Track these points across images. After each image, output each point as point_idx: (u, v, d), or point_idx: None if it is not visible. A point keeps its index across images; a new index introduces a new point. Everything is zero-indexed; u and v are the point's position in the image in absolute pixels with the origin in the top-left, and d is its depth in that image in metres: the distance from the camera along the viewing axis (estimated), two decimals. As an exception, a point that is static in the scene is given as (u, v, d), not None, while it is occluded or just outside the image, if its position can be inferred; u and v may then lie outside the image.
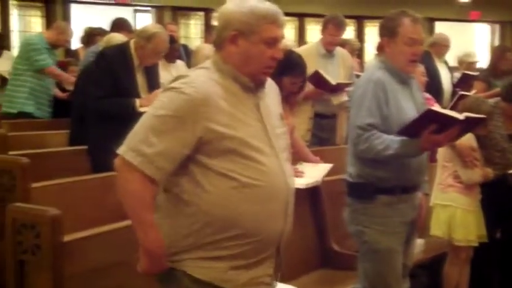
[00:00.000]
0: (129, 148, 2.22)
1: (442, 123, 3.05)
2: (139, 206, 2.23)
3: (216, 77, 2.31)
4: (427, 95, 5.50)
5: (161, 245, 2.25)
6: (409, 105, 3.31)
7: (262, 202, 2.28)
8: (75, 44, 8.79)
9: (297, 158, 4.46)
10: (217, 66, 2.34)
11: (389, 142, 3.17)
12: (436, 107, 3.18)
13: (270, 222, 2.32)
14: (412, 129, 3.12)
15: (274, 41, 2.33)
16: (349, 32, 13.09)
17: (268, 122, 2.37)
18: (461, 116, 3.08)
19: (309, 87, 5.54)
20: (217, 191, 2.24)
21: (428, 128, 3.06)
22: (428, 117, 3.07)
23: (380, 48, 3.48)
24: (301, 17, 13.79)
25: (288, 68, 4.11)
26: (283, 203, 2.35)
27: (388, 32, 3.37)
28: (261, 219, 2.29)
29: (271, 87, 2.51)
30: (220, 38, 2.34)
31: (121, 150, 2.25)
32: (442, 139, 3.10)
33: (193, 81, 2.26)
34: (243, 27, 2.29)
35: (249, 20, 2.29)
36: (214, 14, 2.74)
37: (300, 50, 5.72)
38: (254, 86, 2.35)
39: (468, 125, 3.24)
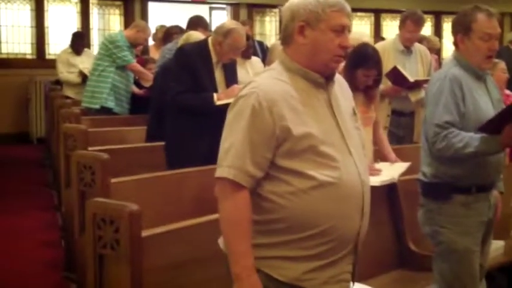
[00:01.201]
0: (229, 166, 2.23)
1: None
2: (238, 234, 2.23)
3: (284, 76, 2.30)
4: (508, 92, 5.37)
5: (252, 273, 2.24)
6: (485, 101, 3.26)
7: (339, 200, 2.27)
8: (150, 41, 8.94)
9: (378, 156, 4.42)
10: (285, 65, 2.34)
11: (469, 139, 3.11)
12: None
13: (347, 220, 2.30)
14: (492, 126, 3.06)
15: (342, 29, 2.31)
16: (426, 28, 12.88)
17: (340, 117, 2.35)
18: None
19: (387, 84, 5.47)
20: (295, 191, 2.23)
21: (510, 124, 2.99)
22: (509, 113, 3.00)
23: (455, 45, 3.39)
24: (377, 12, 13.64)
25: (361, 60, 4.13)
26: (359, 201, 2.33)
27: (462, 28, 3.31)
28: (338, 218, 2.27)
29: (341, 83, 2.49)
30: (288, 31, 2.34)
31: (221, 172, 2.24)
32: None
33: (259, 85, 2.26)
34: (310, 16, 2.28)
35: (315, 9, 2.28)
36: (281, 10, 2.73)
37: (378, 46, 5.62)
38: (324, 81, 2.34)
39: None
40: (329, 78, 2.36)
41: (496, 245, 4.25)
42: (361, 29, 13.13)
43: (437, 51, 10.00)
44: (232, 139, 2.24)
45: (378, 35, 12.79)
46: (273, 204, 2.26)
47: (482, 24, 3.24)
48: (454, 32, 3.39)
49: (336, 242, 2.29)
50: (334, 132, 2.31)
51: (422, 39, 7.75)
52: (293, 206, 2.24)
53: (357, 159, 2.35)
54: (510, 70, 5.42)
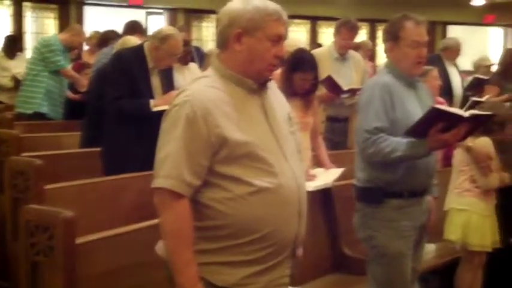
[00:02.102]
0: (165, 177, 2.22)
1: (448, 121, 3.03)
2: (180, 244, 2.23)
3: (218, 83, 2.30)
4: (440, 99, 5.50)
5: (196, 282, 2.24)
6: (415, 108, 3.29)
7: (277, 205, 2.28)
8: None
9: (315, 161, 4.48)
10: (219, 72, 2.34)
11: (396, 144, 3.17)
12: (441, 106, 3.15)
13: (285, 225, 2.32)
14: (418, 130, 3.11)
15: (278, 39, 2.33)
16: (362, 35, 13.09)
17: (275, 122, 2.36)
18: (466, 114, 3.07)
19: (322, 91, 5.54)
20: (234, 197, 2.24)
21: (435, 127, 3.05)
22: (433, 116, 3.05)
23: (386, 53, 3.47)
24: (313, 19, 13.79)
25: (299, 64, 4.22)
26: (296, 205, 2.36)
27: (391, 36, 3.38)
28: (277, 222, 2.29)
29: (275, 89, 2.51)
30: (224, 36, 2.33)
31: (159, 182, 2.23)
32: (449, 138, 3.08)
33: (192, 94, 2.26)
34: (248, 24, 2.29)
35: (254, 17, 2.29)
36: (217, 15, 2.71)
37: (313, 53, 5.72)
38: (258, 87, 2.35)
39: (476, 124, 3.22)
40: (263, 85, 2.37)
41: (429, 248, 4.35)
42: (298, 35, 13.27)
43: (372, 58, 10.20)
44: (168, 149, 2.23)
45: (314, 41, 12.93)
46: (213, 210, 2.26)
47: (410, 32, 3.31)
48: (384, 40, 3.47)
49: (276, 247, 2.31)
50: (269, 137, 2.32)
51: (358, 47, 7.91)
52: (233, 212, 2.24)
53: (292, 163, 2.37)
54: (442, 78, 5.57)
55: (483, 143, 4.17)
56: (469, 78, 7.91)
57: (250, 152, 2.25)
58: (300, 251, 2.60)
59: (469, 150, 4.14)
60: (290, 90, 4.09)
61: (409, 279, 3.41)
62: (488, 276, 4.44)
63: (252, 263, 2.28)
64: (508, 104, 4.60)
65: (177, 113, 2.25)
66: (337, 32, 5.90)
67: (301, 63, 4.25)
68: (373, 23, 14.15)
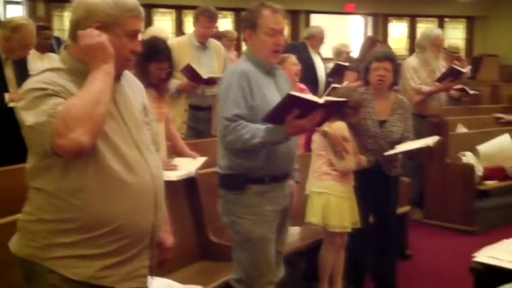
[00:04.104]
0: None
1: (305, 108, 3.10)
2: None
3: (68, 77, 2.21)
4: (302, 86, 5.62)
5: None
6: (274, 95, 3.34)
7: (130, 196, 2.26)
8: None
9: (173, 151, 4.46)
10: (68, 65, 2.26)
11: (255, 130, 3.21)
12: (297, 92, 3.22)
13: (140, 216, 2.30)
14: (276, 116, 3.16)
15: (136, 34, 2.31)
16: (227, 24, 13.17)
17: (127, 113, 2.33)
18: (321, 100, 3.14)
19: (183, 80, 5.53)
20: (85, 189, 2.19)
21: (291, 113, 3.10)
22: (290, 103, 3.10)
23: (245, 41, 3.51)
24: (178, 9, 13.73)
25: (153, 54, 4.17)
26: (151, 195, 2.34)
27: (249, 24, 3.42)
28: (130, 214, 2.26)
29: (130, 78, 2.48)
30: (79, 29, 2.25)
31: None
32: (305, 123, 3.13)
33: (43, 79, 2.17)
34: (107, 19, 2.24)
35: (113, 12, 2.24)
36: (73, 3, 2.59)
37: (174, 42, 5.72)
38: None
39: (332, 110, 3.32)
40: (116, 78, 2.31)
41: (293, 231, 4.45)
42: (163, 25, 13.17)
43: (237, 47, 10.28)
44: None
45: (180, 30, 12.88)
46: (63, 202, 2.19)
47: (267, 20, 3.36)
48: (243, 28, 3.51)
49: (131, 238, 2.28)
50: (121, 128, 2.29)
51: (222, 36, 7.95)
52: (84, 204, 2.19)
53: (146, 154, 2.35)
54: (306, 64, 5.68)
55: (338, 127, 4.28)
56: (331, 65, 8.15)
57: (101, 143, 2.19)
58: (169, 240, 2.60)
59: (324, 134, 4.24)
60: (145, 81, 4.02)
61: (273, 262, 3.48)
62: (350, 256, 4.58)
63: (108, 256, 2.24)
64: (362, 88, 4.74)
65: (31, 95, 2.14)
66: (197, 21, 5.91)
67: (156, 52, 4.20)
68: (238, 12, 14.26)
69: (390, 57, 4.66)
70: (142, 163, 2.31)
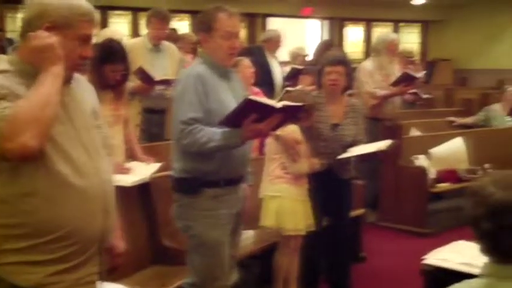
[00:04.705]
0: None
1: (262, 112, 3.11)
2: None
3: (15, 78, 2.18)
4: (256, 89, 5.62)
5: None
6: (229, 98, 3.35)
7: (79, 201, 2.23)
8: None
9: (129, 155, 4.42)
10: (17, 67, 2.22)
11: (212, 134, 3.20)
12: (254, 97, 3.22)
13: (89, 221, 2.28)
14: (233, 120, 3.16)
15: (87, 39, 2.29)
16: (185, 27, 13.11)
17: (76, 117, 2.31)
18: (278, 104, 3.15)
19: (136, 82, 5.49)
20: (35, 194, 2.16)
21: (249, 117, 3.11)
22: (247, 107, 3.10)
23: (200, 44, 3.50)
24: (134, 10, 13.63)
25: (108, 56, 4.14)
26: (101, 200, 2.32)
27: (204, 27, 3.41)
28: (79, 219, 2.24)
29: (80, 81, 2.45)
30: (31, 27, 2.22)
31: None
32: (262, 128, 3.15)
33: None
34: (61, 20, 2.22)
35: (67, 15, 2.22)
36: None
37: (128, 44, 5.65)
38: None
39: (289, 114, 3.32)
40: (66, 81, 2.28)
41: (247, 235, 4.45)
42: (120, 27, 13.07)
43: (195, 50, 10.21)
44: None
45: (136, 33, 12.80)
46: (12, 207, 2.16)
47: (223, 23, 3.35)
48: (198, 30, 3.49)
49: (80, 244, 2.26)
50: (70, 131, 2.26)
51: (180, 39, 7.91)
52: (33, 209, 2.16)
53: (96, 158, 2.33)
54: (262, 68, 5.68)
55: (290, 130, 4.30)
56: (288, 68, 8.17)
57: (48, 148, 2.16)
58: (121, 246, 2.57)
59: (277, 138, 4.26)
60: (101, 83, 4.00)
61: (227, 266, 3.47)
62: (305, 258, 4.60)
63: (56, 262, 2.22)
64: (314, 92, 4.77)
65: None
66: (149, 22, 5.89)
67: (111, 54, 4.17)
68: (195, 14, 14.19)
69: (343, 61, 4.70)
70: (91, 167, 2.29)
